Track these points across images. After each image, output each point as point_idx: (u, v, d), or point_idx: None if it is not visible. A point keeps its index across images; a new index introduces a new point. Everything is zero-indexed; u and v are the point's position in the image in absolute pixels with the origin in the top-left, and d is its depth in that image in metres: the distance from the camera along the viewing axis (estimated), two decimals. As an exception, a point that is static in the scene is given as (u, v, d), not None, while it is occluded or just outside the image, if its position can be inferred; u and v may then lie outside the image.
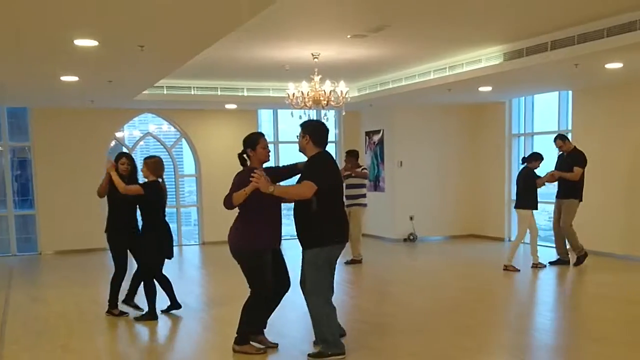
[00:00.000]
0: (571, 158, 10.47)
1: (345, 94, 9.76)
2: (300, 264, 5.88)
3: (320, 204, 5.62)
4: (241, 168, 6.25)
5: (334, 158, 6.06)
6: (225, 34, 6.83)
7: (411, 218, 14.36)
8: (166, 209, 7.82)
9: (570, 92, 12.19)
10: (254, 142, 6.09)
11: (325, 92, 9.56)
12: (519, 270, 10.09)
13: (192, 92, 12.48)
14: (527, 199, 10.27)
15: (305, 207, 5.68)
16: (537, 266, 10.46)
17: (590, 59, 8.43)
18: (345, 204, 8.85)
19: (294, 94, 9.75)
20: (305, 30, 8.06)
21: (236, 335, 6.01)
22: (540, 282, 9.93)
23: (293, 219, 5.88)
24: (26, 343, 6.63)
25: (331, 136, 15.50)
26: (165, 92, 12.27)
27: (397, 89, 11.76)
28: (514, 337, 6.68)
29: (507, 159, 13.93)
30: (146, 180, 7.46)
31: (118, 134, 14.41)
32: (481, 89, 11.41)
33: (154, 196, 7.41)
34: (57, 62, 8.23)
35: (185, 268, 11.85)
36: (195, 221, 15.60)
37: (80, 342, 6.63)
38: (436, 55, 10.09)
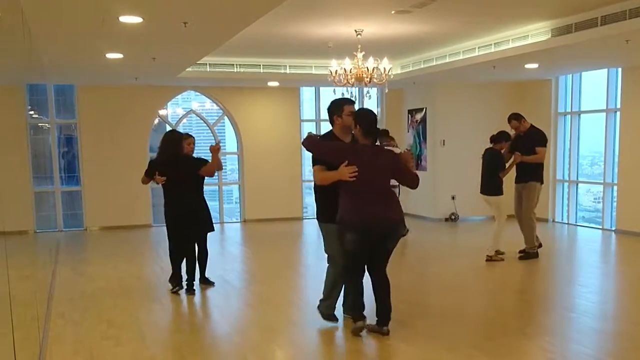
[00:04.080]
0: (530, 138, 9.47)
1: (388, 71, 9.64)
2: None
3: None
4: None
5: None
6: (268, 10, 6.78)
7: (453, 198, 14.24)
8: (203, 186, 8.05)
9: (620, 70, 11.87)
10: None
11: (368, 70, 9.46)
12: (503, 260, 9.37)
13: (235, 70, 12.50)
14: (494, 183, 9.27)
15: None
16: (491, 259, 9.34)
17: (642, 34, 8.18)
18: None
19: (336, 71, 9.68)
20: (349, 6, 7.97)
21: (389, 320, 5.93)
22: (580, 263, 9.76)
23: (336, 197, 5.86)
24: (72, 317, 6.76)
25: (373, 114, 15.44)
26: (208, 69, 12.32)
27: (441, 66, 11.60)
28: (554, 317, 6.59)
29: (553, 138, 13.65)
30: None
31: (161, 112, 14.53)
32: (527, 66, 11.18)
33: None
34: (103, 39, 8.30)
35: (226, 245, 11.94)
36: (236, 199, 15.72)
37: (124, 317, 6.74)
38: (481, 32, 9.90)
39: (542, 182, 9.54)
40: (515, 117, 9.59)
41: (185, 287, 7.76)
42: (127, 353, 5.58)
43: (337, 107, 5.94)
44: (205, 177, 7.81)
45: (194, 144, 7.80)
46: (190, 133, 7.99)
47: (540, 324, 6.39)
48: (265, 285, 8.23)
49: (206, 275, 8.12)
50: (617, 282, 8.75)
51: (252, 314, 7.09)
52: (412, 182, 5.90)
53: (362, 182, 5.59)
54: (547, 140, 9.62)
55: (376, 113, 5.91)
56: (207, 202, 7.98)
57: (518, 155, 9.36)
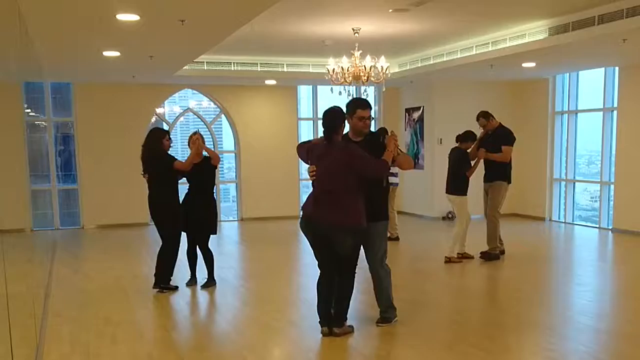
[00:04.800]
0: (497, 136, 9.35)
1: (386, 70, 9.64)
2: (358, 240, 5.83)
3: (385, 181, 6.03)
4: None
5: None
6: (265, 8, 6.77)
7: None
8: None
9: (616, 69, 11.88)
10: (353, 111, 5.87)
11: (365, 68, 9.46)
12: (460, 261, 9.20)
13: (232, 68, 12.49)
14: (460, 183, 9.10)
15: (379, 183, 5.89)
16: (451, 260, 9.15)
17: (639, 33, 8.17)
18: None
19: (334, 69, 9.68)
20: (346, 5, 7.96)
21: (337, 319, 5.87)
22: (577, 262, 9.77)
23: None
24: (69, 315, 6.75)
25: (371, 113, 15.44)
26: (205, 67, 12.31)
27: (439, 64, 11.60)
28: (551, 316, 6.61)
29: (550, 137, 13.69)
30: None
31: (159, 110, 14.52)
32: (525, 65, 11.19)
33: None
34: (100, 37, 8.28)
35: (223, 244, 11.94)
36: (233, 197, 15.70)
37: (122, 315, 6.73)
38: (479, 30, 9.91)
39: (509, 182, 9.40)
40: (483, 115, 9.47)
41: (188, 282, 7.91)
42: (124, 351, 5.57)
43: (351, 109, 5.91)
44: (206, 176, 7.84)
45: (170, 141, 7.77)
46: (197, 130, 8.06)
47: (538, 322, 6.39)
48: (263, 284, 8.22)
49: (202, 276, 8.09)
50: (614, 280, 8.77)
51: (250, 312, 7.08)
52: (375, 172, 5.75)
53: (317, 181, 5.76)
54: (515, 140, 9.38)
55: (335, 109, 5.85)
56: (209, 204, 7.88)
57: (482, 152, 9.25)
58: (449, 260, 9.15)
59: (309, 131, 15.14)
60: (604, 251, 11.09)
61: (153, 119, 14.41)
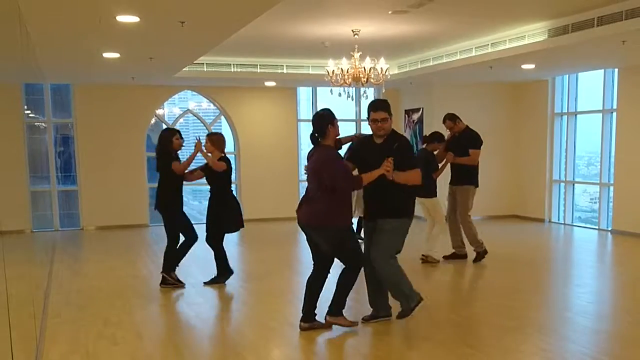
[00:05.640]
0: (465, 139, 9.24)
1: (385, 71, 9.65)
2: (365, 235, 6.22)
3: None
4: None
5: None
6: (265, 10, 6.79)
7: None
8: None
9: (616, 70, 11.89)
10: (332, 118, 5.95)
11: (365, 70, 9.46)
12: (439, 261, 9.22)
13: (232, 69, 12.49)
14: (427, 185, 8.57)
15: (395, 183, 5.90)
16: (426, 259, 9.15)
17: (638, 35, 8.18)
18: None
19: (333, 71, 9.69)
20: (346, 6, 7.98)
21: (331, 307, 6.04)
22: (576, 263, 9.78)
23: (373, 192, 6.01)
24: (68, 316, 6.75)
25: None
26: (205, 69, 12.32)
27: (438, 66, 11.61)
28: (551, 317, 6.62)
29: (549, 139, 13.70)
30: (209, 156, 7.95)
31: (158, 111, 14.53)
32: (524, 66, 11.20)
33: (231, 170, 8.02)
34: (100, 38, 8.29)
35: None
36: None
37: (121, 316, 6.74)
38: (478, 32, 9.92)
39: (476, 185, 9.30)
40: (450, 118, 9.39)
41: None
42: (123, 352, 5.58)
43: (368, 111, 6.04)
44: (210, 180, 8.03)
45: (182, 140, 8.03)
46: (218, 132, 8.50)
47: (537, 323, 6.40)
48: (263, 284, 8.23)
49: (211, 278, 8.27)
50: (613, 282, 8.78)
51: (250, 312, 7.09)
52: (343, 185, 5.75)
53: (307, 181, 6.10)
54: (482, 143, 9.27)
55: (319, 113, 5.99)
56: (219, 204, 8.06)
57: (450, 156, 9.17)
58: (425, 260, 9.13)
59: (308, 133, 15.10)
60: (604, 252, 11.10)
61: (153, 121, 14.43)
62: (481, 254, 9.25)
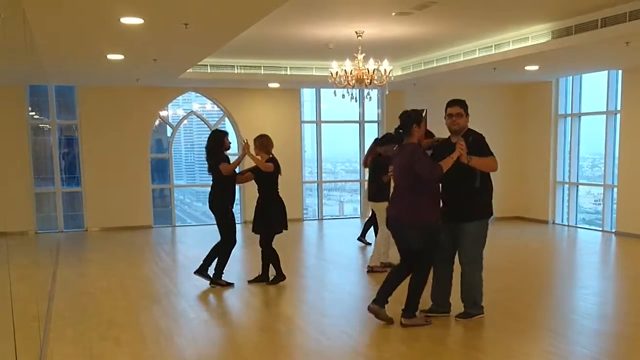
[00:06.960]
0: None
1: (389, 73, 9.65)
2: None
3: (483, 179, 6.29)
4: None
5: None
6: (269, 11, 6.79)
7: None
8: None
9: (620, 72, 11.88)
10: (419, 118, 6.20)
11: (368, 71, 9.46)
12: (385, 271, 8.45)
13: (236, 71, 12.51)
14: (378, 189, 8.65)
15: (469, 183, 6.15)
16: (372, 270, 8.76)
17: (642, 36, 8.19)
18: None
19: (337, 72, 9.69)
20: (350, 8, 7.98)
21: (404, 310, 6.16)
22: (580, 265, 9.76)
23: (450, 193, 6.21)
24: (72, 318, 6.77)
25: (373, 116, 15.46)
26: (209, 70, 12.34)
27: (442, 67, 11.61)
28: (554, 319, 6.60)
29: (553, 140, 13.68)
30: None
31: (162, 113, 14.54)
32: (528, 68, 11.19)
33: (278, 171, 8.15)
34: (104, 40, 8.31)
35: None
36: (237, 200, 15.67)
37: (124, 317, 6.75)
38: (482, 34, 9.91)
39: None
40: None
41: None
42: (127, 353, 5.59)
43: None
44: (258, 182, 8.27)
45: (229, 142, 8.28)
46: (264, 134, 8.72)
47: (541, 325, 6.39)
48: (266, 287, 8.22)
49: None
50: (617, 283, 8.76)
51: (254, 315, 7.09)
52: (429, 173, 5.99)
53: (394, 180, 6.38)
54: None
55: (407, 112, 6.40)
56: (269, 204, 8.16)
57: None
58: (371, 270, 8.80)
59: (312, 134, 15.14)
60: (607, 254, 11.08)
61: (157, 122, 14.44)
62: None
